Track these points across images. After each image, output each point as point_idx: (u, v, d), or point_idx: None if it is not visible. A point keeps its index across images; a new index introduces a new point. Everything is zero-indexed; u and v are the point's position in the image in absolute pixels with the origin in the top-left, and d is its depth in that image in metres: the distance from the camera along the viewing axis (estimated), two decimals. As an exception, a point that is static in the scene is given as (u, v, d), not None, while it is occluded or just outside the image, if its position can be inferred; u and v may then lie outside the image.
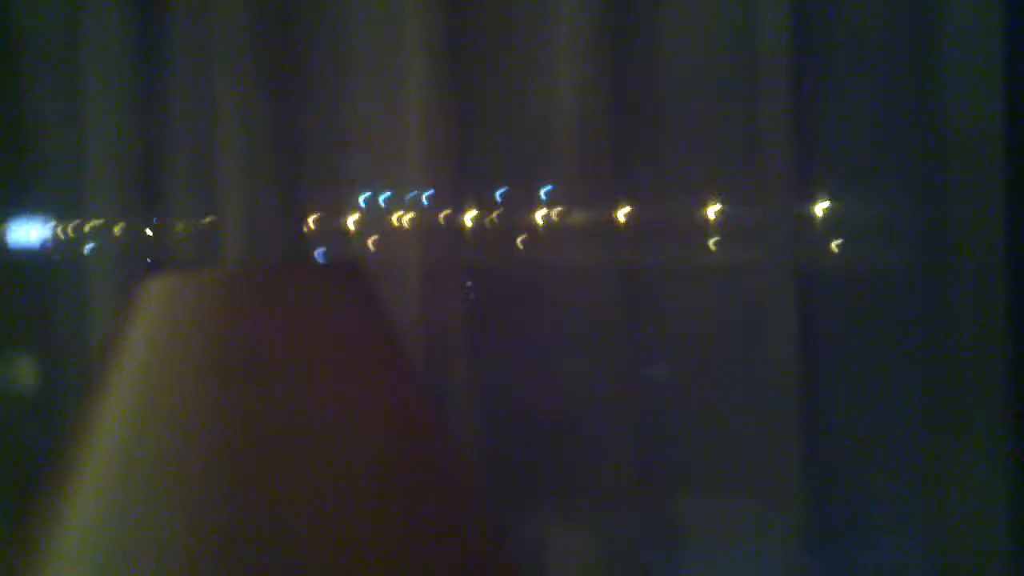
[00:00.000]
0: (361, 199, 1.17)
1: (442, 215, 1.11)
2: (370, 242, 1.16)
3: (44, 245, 1.24)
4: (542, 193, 1.11)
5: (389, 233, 1.14)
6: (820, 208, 1.02)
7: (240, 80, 1.13)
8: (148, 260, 1.19)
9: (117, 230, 1.19)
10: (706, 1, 1.06)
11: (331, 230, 1.18)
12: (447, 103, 1.10)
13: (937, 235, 0.98)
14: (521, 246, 1.13)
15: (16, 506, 0.79)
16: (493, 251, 1.14)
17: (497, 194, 1.14)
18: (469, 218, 1.14)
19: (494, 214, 1.14)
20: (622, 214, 1.09)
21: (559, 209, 1.10)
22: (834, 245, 1.02)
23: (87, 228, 1.20)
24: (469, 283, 1.13)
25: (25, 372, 1.25)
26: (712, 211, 1.06)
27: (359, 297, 0.79)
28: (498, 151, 1.13)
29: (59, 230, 1.24)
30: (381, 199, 1.17)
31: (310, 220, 1.19)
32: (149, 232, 1.21)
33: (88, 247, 1.20)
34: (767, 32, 0.99)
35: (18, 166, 1.20)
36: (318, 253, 1.19)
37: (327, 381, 0.71)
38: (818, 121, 1.00)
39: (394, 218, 1.14)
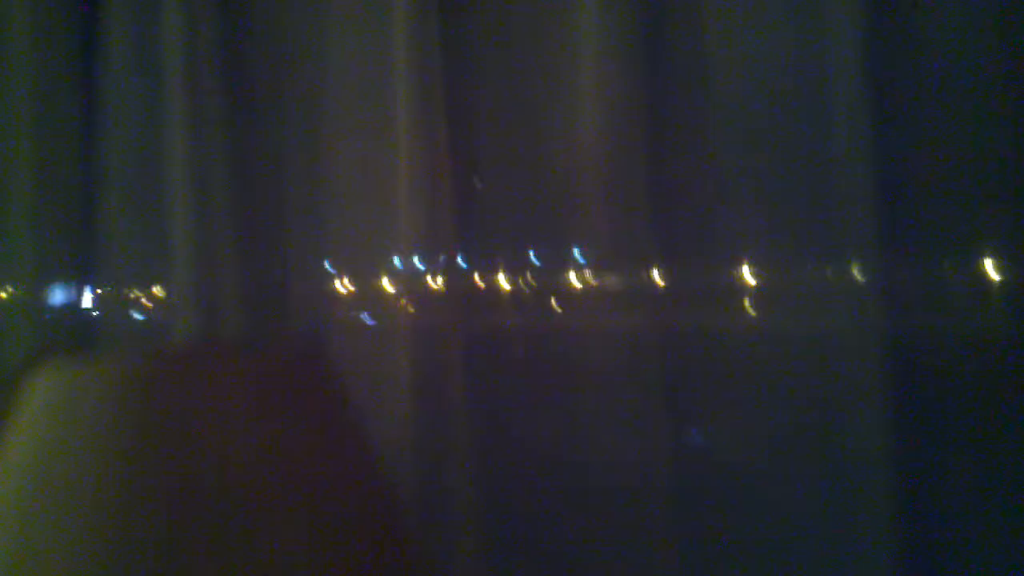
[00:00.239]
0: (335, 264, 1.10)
1: (444, 279, 1.03)
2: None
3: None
4: (574, 253, 1.01)
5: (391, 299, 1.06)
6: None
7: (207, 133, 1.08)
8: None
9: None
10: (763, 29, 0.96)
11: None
12: (446, 156, 1.02)
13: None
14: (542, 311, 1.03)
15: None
16: (497, 316, 1.05)
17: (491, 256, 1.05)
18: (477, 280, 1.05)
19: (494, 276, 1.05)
20: (660, 275, 0.96)
21: (590, 272, 1.00)
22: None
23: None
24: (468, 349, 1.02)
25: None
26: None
27: (296, 375, 0.75)
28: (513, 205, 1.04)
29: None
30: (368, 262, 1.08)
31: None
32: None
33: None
34: (839, 69, 0.90)
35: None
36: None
37: (245, 463, 0.68)
38: (897, 169, 0.89)
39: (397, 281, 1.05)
